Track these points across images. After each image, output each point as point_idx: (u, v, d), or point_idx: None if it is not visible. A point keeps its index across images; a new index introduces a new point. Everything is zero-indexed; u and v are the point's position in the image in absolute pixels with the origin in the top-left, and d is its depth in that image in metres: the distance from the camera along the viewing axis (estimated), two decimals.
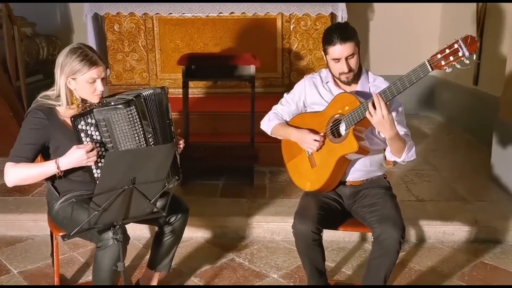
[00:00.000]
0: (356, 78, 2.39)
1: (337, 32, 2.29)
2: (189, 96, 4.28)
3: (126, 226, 2.32)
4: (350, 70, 2.31)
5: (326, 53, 2.34)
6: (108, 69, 5.15)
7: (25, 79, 4.67)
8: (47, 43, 5.79)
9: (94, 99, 2.27)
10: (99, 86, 2.25)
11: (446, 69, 2.07)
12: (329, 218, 2.35)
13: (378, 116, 2.12)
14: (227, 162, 3.98)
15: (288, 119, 2.57)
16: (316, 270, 2.41)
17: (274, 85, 4.99)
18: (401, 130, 2.31)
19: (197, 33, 4.98)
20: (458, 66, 2.04)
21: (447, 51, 2.03)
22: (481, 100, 4.84)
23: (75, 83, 2.24)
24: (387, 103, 2.15)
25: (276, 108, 2.61)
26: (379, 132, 2.35)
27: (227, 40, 4.96)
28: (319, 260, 2.39)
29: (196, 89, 4.98)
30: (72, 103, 2.27)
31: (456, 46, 2.02)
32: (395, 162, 2.47)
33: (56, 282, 2.62)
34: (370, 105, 2.15)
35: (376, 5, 5.98)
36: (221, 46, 4.97)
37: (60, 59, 2.24)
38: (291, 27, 4.93)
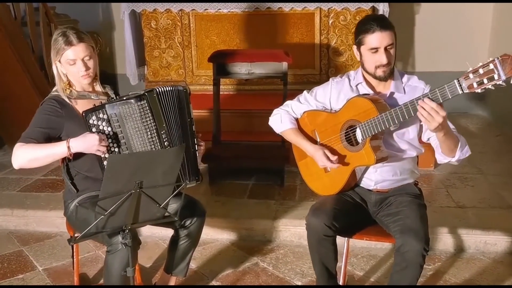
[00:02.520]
0: (391, 75, 2.21)
1: (375, 20, 2.13)
2: (222, 93, 4.21)
3: (146, 226, 2.27)
4: (389, 62, 2.14)
5: (361, 43, 2.16)
6: (145, 66, 5.16)
7: None
8: None
9: (82, 81, 2.25)
10: (80, 66, 2.21)
11: (478, 91, 1.82)
12: (347, 218, 2.22)
13: (438, 120, 1.92)
14: (257, 162, 3.87)
15: (300, 117, 2.43)
16: (326, 270, 2.28)
17: (312, 82, 4.82)
18: (450, 125, 2.10)
19: (233, 29, 4.89)
20: (492, 88, 1.80)
21: (481, 71, 1.79)
22: None
23: (61, 67, 2.24)
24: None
25: (291, 105, 2.45)
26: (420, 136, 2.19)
27: (263, 36, 4.84)
28: (330, 259, 2.26)
29: (230, 86, 4.90)
30: (67, 89, 2.27)
31: (491, 66, 1.76)
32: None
33: (75, 282, 2.60)
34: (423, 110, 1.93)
35: None
36: (258, 42, 4.86)
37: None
38: (330, 21, 4.76)
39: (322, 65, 4.85)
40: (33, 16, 4.50)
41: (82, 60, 2.21)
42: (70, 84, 2.29)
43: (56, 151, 2.17)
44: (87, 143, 2.13)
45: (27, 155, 2.16)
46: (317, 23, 4.77)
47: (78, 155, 2.22)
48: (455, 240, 3.06)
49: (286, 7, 4.70)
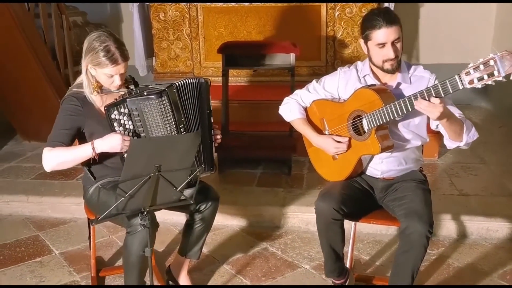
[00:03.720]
0: (398, 67, 2.28)
1: (381, 15, 2.18)
2: (231, 84, 4.29)
3: (159, 212, 2.38)
4: (396, 56, 2.21)
5: (368, 39, 2.23)
6: (153, 58, 5.24)
7: (74, 67, 4.82)
8: None
9: (112, 88, 2.31)
10: (116, 81, 2.27)
11: (479, 86, 1.90)
12: (355, 203, 2.30)
13: (437, 111, 2.01)
14: (265, 152, 3.97)
15: (308, 106, 2.52)
16: (334, 252, 2.37)
17: (318, 73, 4.89)
18: (456, 112, 2.19)
19: (241, 21, 4.96)
20: (492, 83, 1.88)
21: (481, 67, 1.86)
22: None
23: (95, 71, 2.28)
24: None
25: (300, 94, 2.53)
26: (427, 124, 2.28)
27: (270, 28, 4.92)
28: (337, 242, 2.35)
29: (238, 77, 4.98)
30: (95, 90, 2.31)
31: (492, 62, 1.84)
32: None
33: (92, 264, 2.71)
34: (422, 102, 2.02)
35: None
36: (264, 34, 4.94)
37: (86, 44, 2.26)
38: (336, 14, 4.82)
39: (328, 57, 4.92)
40: (45, 8, 4.58)
41: (120, 75, 2.27)
42: (98, 84, 2.32)
43: (83, 153, 2.26)
44: (111, 143, 2.21)
45: (56, 160, 2.25)
46: (324, 15, 4.83)
47: None
48: (458, 226, 3.15)
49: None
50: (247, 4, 4.84)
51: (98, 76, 2.29)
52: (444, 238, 3.13)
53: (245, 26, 4.97)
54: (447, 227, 3.15)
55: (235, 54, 3.92)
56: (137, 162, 1.96)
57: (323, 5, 4.79)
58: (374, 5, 4.72)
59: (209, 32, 5.02)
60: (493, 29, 5.67)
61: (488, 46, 5.46)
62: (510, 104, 5.23)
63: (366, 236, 3.19)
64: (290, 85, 3.82)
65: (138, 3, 5.06)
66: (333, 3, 4.77)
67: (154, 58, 5.23)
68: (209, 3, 4.89)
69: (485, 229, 3.11)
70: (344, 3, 4.74)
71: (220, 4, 4.88)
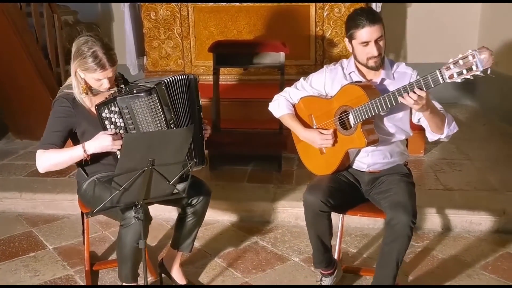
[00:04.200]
0: (381, 64, 2.37)
1: (364, 15, 2.27)
2: (222, 82, 4.35)
3: (153, 207, 2.44)
4: (380, 53, 2.30)
5: (352, 38, 2.31)
6: (145, 57, 5.30)
7: (65, 66, 4.86)
8: (87, 30, 5.94)
9: (101, 89, 2.37)
10: (105, 84, 2.33)
11: (458, 80, 1.99)
12: (341, 196, 2.39)
13: (421, 104, 2.10)
14: (256, 149, 4.04)
15: (297, 103, 2.60)
16: (321, 243, 2.45)
17: (307, 72, 4.85)
18: (437, 106, 2.29)
19: (231, 20, 5.03)
20: (471, 78, 1.98)
21: (461, 62, 1.96)
22: None
23: (84, 75, 2.33)
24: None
25: (289, 91, 2.61)
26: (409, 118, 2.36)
27: (260, 28, 4.99)
28: (325, 234, 2.43)
29: (229, 76, 5.05)
30: (83, 92, 2.36)
31: (470, 58, 1.93)
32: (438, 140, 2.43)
33: (86, 257, 2.76)
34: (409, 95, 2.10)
35: None
36: (255, 34, 5.02)
37: (74, 48, 2.31)
38: (325, 13, 4.91)
39: (317, 56, 5.00)
40: (37, 7, 4.62)
41: (109, 78, 2.32)
42: (87, 86, 2.37)
43: (74, 155, 2.32)
44: (101, 144, 2.27)
45: (49, 162, 2.32)
46: (313, 15, 4.92)
47: None
48: (443, 219, 3.25)
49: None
50: (237, 4, 4.92)
51: (87, 79, 2.34)
52: (429, 231, 3.23)
53: (235, 26, 5.04)
54: (432, 220, 3.25)
55: (225, 53, 3.98)
56: (131, 156, 2.02)
57: (312, 5, 4.87)
58: (362, 5, 4.80)
59: (200, 31, 5.09)
60: (478, 29, 5.80)
61: (473, 46, 5.53)
62: (494, 103, 5.36)
63: (354, 230, 3.27)
64: (280, 83, 3.89)
65: (129, 3, 5.10)
66: (322, 3, 4.86)
67: (145, 57, 5.28)
68: (200, 3, 4.95)
69: (469, 222, 3.21)
70: (333, 3, 4.83)
71: (211, 3, 4.94)
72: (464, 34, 5.71)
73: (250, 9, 4.97)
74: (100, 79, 2.31)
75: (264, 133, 4.11)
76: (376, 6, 4.79)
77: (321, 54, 5.00)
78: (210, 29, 5.07)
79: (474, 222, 3.21)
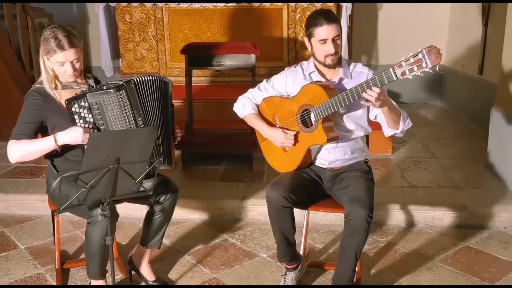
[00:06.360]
0: (339, 63, 2.48)
1: (323, 15, 2.39)
2: (196, 84, 4.42)
3: (124, 206, 2.50)
4: (336, 51, 2.40)
5: (311, 36, 2.42)
6: (120, 59, 5.34)
7: (39, 68, 4.87)
8: None
9: (68, 79, 2.42)
10: (68, 69, 2.38)
11: (410, 77, 2.10)
12: (304, 192, 2.48)
13: (379, 101, 2.21)
14: (228, 149, 4.12)
15: (260, 104, 2.68)
16: (285, 238, 2.53)
17: None
18: (393, 102, 2.40)
19: (205, 23, 5.12)
20: (421, 74, 2.09)
21: (412, 60, 2.08)
22: (485, 89, 4.84)
23: (50, 63, 2.40)
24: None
25: (252, 92, 2.71)
26: (369, 115, 2.47)
27: (234, 30, 5.08)
28: (288, 228, 2.51)
29: (203, 77, 5.13)
30: (53, 83, 2.42)
31: (420, 56, 2.05)
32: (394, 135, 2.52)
33: (57, 256, 2.80)
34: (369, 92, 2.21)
35: None
36: (228, 36, 5.11)
37: (40, 38, 2.41)
38: (297, 16, 5.02)
39: (290, 58, 5.11)
40: (10, 9, 4.64)
41: (71, 62, 2.38)
42: (56, 77, 2.43)
43: (45, 145, 2.38)
44: (72, 135, 2.34)
45: (20, 152, 2.38)
46: (285, 18, 5.03)
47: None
48: (407, 216, 3.36)
49: (256, 2, 4.94)
50: (210, 6, 5.00)
51: (53, 67, 2.40)
52: (393, 227, 3.34)
53: (209, 28, 5.13)
54: (396, 216, 3.36)
55: (197, 55, 4.06)
56: (96, 154, 2.08)
57: (285, 8, 4.99)
58: (333, 7, 4.91)
59: (174, 33, 5.16)
60: (447, 30, 5.97)
61: (442, 47, 5.72)
62: (463, 103, 5.52)
63: (321, 227, 3.37)
64: (251, 84, 3.96)
65: (104, 5, 5.15)
66: (294, 6, 4.97)
67: (120, 59, 5.33)
68: (173, 5, 5.01)
69: (431, 217, 3.33)
70: (305, 5, 4.94)
71: (185, 6, 5.02)
72: (433, 36, 5.83)
73: (223, 12, 5.06)
74: (63, 63, 2.36)
75: (236, 133, 4.19)
76: (347, 8, 4.93)
77: (293, 56, 5.11)
78: (185, 32, 5.15)
79: (436, 218, 3.32)
